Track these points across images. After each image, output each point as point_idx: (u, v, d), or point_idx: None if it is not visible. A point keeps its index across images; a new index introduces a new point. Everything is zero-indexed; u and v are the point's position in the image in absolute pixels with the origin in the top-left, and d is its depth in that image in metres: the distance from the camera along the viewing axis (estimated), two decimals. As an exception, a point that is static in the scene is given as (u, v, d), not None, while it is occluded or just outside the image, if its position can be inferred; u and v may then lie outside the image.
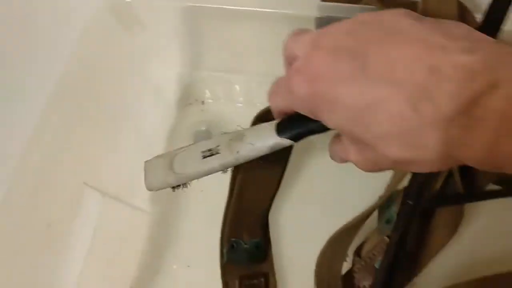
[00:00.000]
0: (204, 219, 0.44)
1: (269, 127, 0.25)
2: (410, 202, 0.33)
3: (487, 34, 0.19)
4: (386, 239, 0.36)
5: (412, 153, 0.19)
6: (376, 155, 0.21)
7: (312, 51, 0.21)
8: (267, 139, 0.25)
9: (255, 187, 0.39)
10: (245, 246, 0.39)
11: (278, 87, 0.25)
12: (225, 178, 0.45)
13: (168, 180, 0.28)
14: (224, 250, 0.39)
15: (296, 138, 0.25)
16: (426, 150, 0.18)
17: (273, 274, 0.40)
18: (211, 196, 0.45)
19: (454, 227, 0.38)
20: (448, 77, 0.17)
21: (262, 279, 0.39)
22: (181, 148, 0.28)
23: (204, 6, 0.38)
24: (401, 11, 0.20)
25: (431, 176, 0.34)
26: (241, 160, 0.26)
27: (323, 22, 0.35)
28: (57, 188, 0.37)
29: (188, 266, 0.43)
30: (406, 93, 0.18)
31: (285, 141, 0.25)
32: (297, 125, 0.24)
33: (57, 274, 0.37)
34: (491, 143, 0.17)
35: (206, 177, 0.46)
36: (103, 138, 0.42)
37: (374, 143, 0.20)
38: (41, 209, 0.35)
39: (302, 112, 0.23)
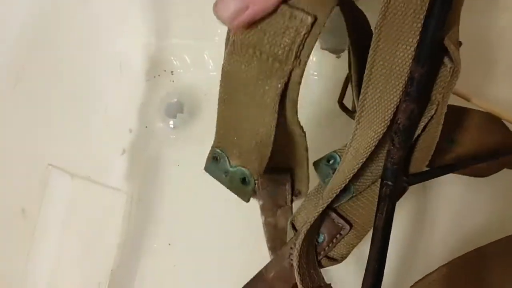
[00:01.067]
0: (182, 194, 0.43)
1: None
2: (390, 183, 0.32)
3: None
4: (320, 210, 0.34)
5: None
6: None
7: None
8: None
9: (246, 101, 0.28)
10: (230, 168, 0.30)
11: None
12: (201, 150, 0.43)
13: None
14: (209, 155, 0.31)
15: None
16: None
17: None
18: (187, 169, 0.44)
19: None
20: None
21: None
22: None
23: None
24: None
25: (404, 155, 0.33)
26: None
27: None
28: (23, 173, 0.35)
29: (169, 244, 0.42)
30: None
31: None
32: None
33: (31, 261, 0.36)
34: None
35: (181, 149, 0.44)
36: (68, 117, 0.40)
37: None
38: (10, 194, 0.33)
39: None
